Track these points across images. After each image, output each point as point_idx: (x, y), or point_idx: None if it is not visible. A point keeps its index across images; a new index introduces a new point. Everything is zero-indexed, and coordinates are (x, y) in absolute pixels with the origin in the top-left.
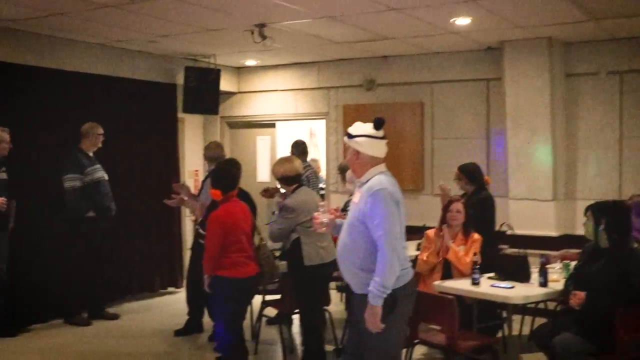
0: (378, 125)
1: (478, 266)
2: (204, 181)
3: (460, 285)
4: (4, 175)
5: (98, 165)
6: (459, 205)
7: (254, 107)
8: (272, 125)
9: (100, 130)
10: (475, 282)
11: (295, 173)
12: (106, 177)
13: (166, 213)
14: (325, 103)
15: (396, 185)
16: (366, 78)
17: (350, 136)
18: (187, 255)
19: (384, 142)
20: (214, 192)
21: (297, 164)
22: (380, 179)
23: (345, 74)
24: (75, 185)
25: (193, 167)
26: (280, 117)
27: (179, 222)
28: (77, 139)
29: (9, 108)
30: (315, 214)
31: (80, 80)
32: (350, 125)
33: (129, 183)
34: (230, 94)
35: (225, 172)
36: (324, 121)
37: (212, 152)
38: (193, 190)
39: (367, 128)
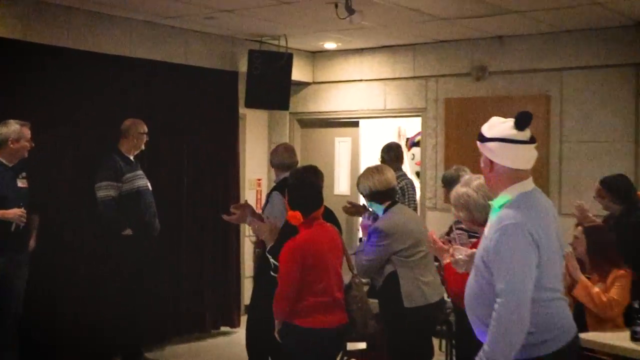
0: (522, 123)
1: None
2: (269, 194)
3: (613, 339)
4: (23, 183)
5: (140, 172)
6: (577, 230)
7: (332, 101)
8: (355, 124)
9: (144, 129)
10: (637, 337)
11: (387, 187)
12: (149, 186)
13: (222, 232)
14: (422, 96)
15: (548, 213)
16: (475, 64)
17: (483, 139)
18: (246, 286)
19: (530, 147)
20: (293, 215)
21: (390, 175)
22: (517, 204)
23: (448, 60)
24: (111, 196)
25: (255, 175)
26: (365, 113)
27: (237, 244)
28: (115, 138)
29: (32, 98)
30: (452, 250)
31: (120, 66)
32: (453, 124)
33: (177, 195)
34: (303, 84)
35: (305, 186)
36: (418, 119)
37: (281, 158)
38: (255, 206)
39: (505, 128)
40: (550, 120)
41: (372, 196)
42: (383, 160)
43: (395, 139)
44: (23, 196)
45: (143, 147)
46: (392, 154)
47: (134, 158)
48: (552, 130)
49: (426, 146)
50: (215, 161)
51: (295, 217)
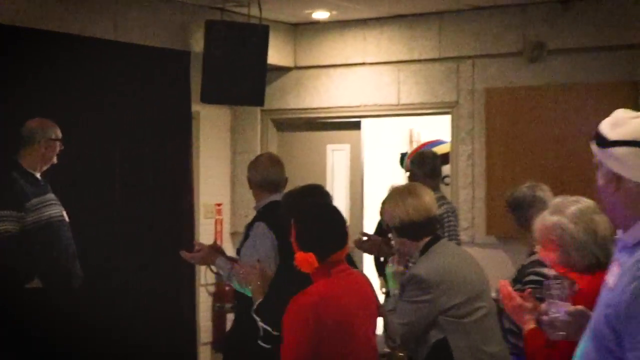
0: None
1: None
2: (249, 226)
3: None
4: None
5: (51, 196)
6: None
7: (322, 94)
8: (355, 126)
9: (57, 134)
10: None
11: (427, 215)
12: (65, 216)
13: (169, 283)
14: (452, 86)
15: None
16: (530, 40)
17: (604, 142)
18: (203, 356)
19: None
20: (303, 258)
21: (429, 198)
22: None
23: (489, 35)
24: (8, 231)
25: (213, 198)
26: (370, 111)
27: (190, 298)
28: (13, 147)
29: None
30: (544, 307)
31: (19, 42)
32: (497, 125)
33: (103, 228)
34: (280, 70)
35: (322, 217)
36: (447, 118)
37: (265, 174)
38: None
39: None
40: None
41: (404, 230)
42: (413, 175)
43: (405, 148)
44: None
45: (55, 160)
46: (427, 168)
47: (41, 176)
48: None
49: (457, 156)
50: (159, 179)
51: (307, 261)
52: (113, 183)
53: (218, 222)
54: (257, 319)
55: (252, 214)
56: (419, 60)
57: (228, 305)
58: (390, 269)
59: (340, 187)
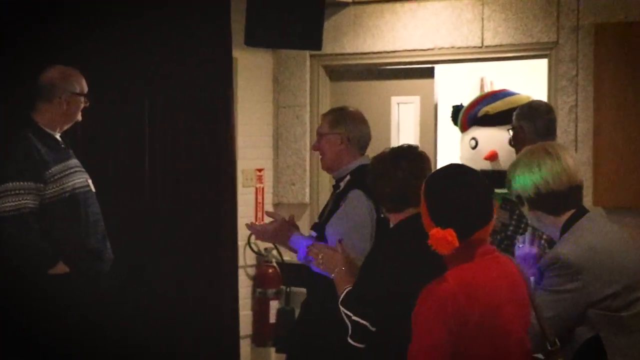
0: None
1: None
2: (339, 195)
3: None
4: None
5: (74, 161)
6: None
7: (386, 35)
8: (427, 74)
9: (81, 86)
10: None
11: (569, 183)
12: (91, 185)
13: (209, 259)
14: (551, 22)
15: None
16: None
17: None
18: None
19: None
20: (441, 235)
21: (572, 162)
22: None
23: None
24: (26, 207)
25: (252, 162)
26: (446, 54)
27: (231, 290)
28: (28, 102)
29: None
30: None
31: None
32: (610, 70)
33: (134, 198)
34: (333, 6)
35: (464, 183)
36: (543, 62)
37: (363, 130)
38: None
39: None
40: None
41: (540, 202)
42: (518, 133)
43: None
44: None
45: (79, 117)
46: (540, 124)
47: (61, 137)
48: None
49: (556, 110)
50: (195, 140)
51: (446, 239)
52: (142, 148)
53: (259, 192)
54: (346, 311)
55: (301, 181)
56: None
57: (271, 291)
58: (520, 250)
59: None
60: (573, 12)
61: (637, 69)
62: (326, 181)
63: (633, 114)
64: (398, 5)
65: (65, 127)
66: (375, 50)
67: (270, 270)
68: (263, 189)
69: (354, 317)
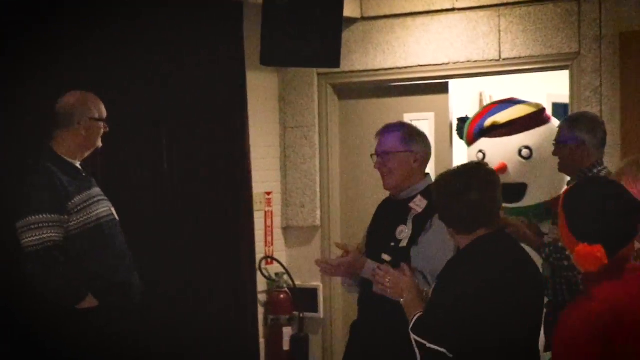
0: None
1: None
2: (422, 218)
3: None
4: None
5: (96, 190)
6: None
7: (397, 50)
8: (441, 90)
9: (100, 111)
10: None
11: None
12: (115, 213)
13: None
14: (572, 32)
15: None
16: None
17: None
18: None
19: None
20: (588, 252)
21: None
22: None
23: None
24: (50, 240)
25: (261, 185)
26: (462, 69)
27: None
28: (45, 131)
29: None
30: None
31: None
32: (635, 79)
33: (156, 225)
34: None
35: (609, 196)
36: (564, 74)
37: (425, 147)
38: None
39: None
40: None
41: None
42: (580, 145)
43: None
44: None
45: (99, 144)
46: (599, 136)
47: (81, 165)
48: None
49: None
50: (213, 165)
51: (594, 256)
52: (162, 174)
53: (268, 215)
54: (417, 339)
55: (311, 204)
56: (526, 2)
57: (284, 318)
58: None
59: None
60: (595, 21)
61: None
62: (337, 203)
63: None
64: (409, 19)
65: (86, 155)
66: (386, 66)
67: (282, 296)
68: (272, 212)
69: (429, 345)
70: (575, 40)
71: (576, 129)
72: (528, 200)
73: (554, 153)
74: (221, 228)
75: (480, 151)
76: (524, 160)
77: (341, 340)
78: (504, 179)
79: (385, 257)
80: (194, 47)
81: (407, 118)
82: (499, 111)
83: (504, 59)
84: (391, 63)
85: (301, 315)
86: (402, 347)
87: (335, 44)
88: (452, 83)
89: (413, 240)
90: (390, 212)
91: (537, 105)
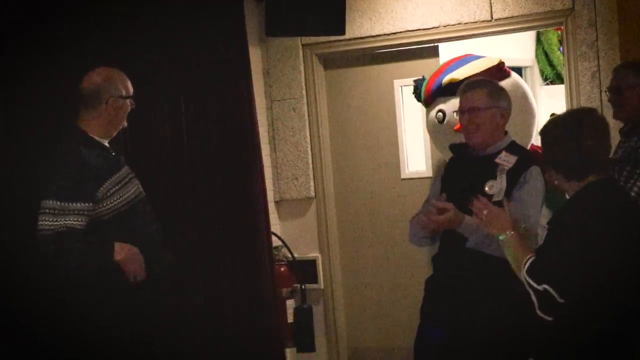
0: None
1: None
2: (518, 171)
3: None
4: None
5: (126, 169)
6: None
7: (385, 16)
8: (431, 54)
9: (127, 88)
10: None
11: None
12: (142, 191)
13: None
14: None
15: None
16: None
17: None
18: None
19: None
20: None
21: None
22: None
23: None
24: (61, 227)
25: None
26: (453, 32)
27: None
28: (70, 110)
29: None
30: None
31: None
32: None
33: (175, 200)
34: None
35: None
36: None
37: (510, 104)
38: None
39: None
40: None
41: None
42: (620, 105)
43: None
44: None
45: (125, 122)
46: None
47: (109, 144)
48: None
49: (577, 76)
50: (225, 139)
51: None
52: (182, 149)
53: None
54: (532, 282)
55: (304, 175)
56: None
57: (286, 290)
58: None
59: (414, 132)
60: None
61: None
62: (330, 173)
63: None
64: None
65: (114, 134)
66: (374, 33)
67: (282, 269)
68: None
69: (541, 287)
70: None
71: (624, 76)
72: None
73: (614, 100)
74: (240, 200)
75: (440, 111)
76: None
77: (342, 310)
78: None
79: None
80: (196, 26)
81: (397, 84)
82: (456, 68)
83: (495, 20)
84: (378, 30)
85: (302, 287)
86: (482, 300)
87: (339, 11)
88: (442, 46)
89: (507, 194)
90: (473, 169)
91: (497, 59)
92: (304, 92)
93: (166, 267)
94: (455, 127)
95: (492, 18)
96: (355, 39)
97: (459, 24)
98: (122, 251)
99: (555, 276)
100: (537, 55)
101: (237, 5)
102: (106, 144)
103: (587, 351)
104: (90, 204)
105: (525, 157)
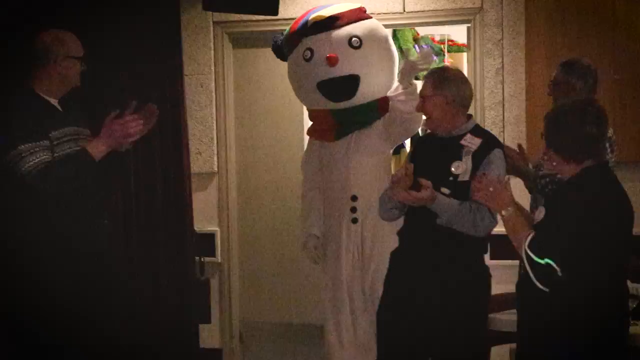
0: None
1: None
2: (480, 154)
3: None
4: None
5: (72, 129)
6: None
7: (298, 2)
8: None
9: (77, 49)
10: None
11: None
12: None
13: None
14: None
15: None
16: None
17: None
18: None
19: None
20: None
21: None
22: None
23: None
24: (43, 162)
25: None
26: None
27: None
28: (25, 67)
29: None
30: None
31: None
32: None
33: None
34: None
35: None
36: (463, 28)
37: (459, 90)
38: None
39: None
40: None
41: None
42: (569, 90)
43: None
44: None
45: (78, 82)
46: (591, 82)
47: (60, 102)
48: None
49: (482, 71)
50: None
51: None
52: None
53: None
54: (533, 255)
55: (208, 150)
56: None
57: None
58: None
59: None
60: None
61: (569, 28)
62: (234, 149)
63: None
64: None
65: (64, 92)
66: (287, 17)
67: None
68: None
69: (544, 260)
70: None
71: (562, 69)
72: (360, 98)
73: (549, 94)
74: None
75: (308, 49)
76: (354, 50)
77: (238, 284)
78: (335, 72)
79: (445, 190)
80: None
81: None
82: (321, 9)
83: (407, 12)
84: (292, 13)
85: (202, 259)
86: (446, 274)
87: None
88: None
89: (472, 175)
90: (440, 149)
91: (355, 5)
92: (212, 68)
93: (106, 233)
94: (327, 57)
95: (404, 10)
96: (266, 20)
97: (372, 13)
98: (101, 140)
99: (556, 251)
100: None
101: None
102: (54, 102)
103: (579, 320)
104: (49, 143)
105: (488, 139)
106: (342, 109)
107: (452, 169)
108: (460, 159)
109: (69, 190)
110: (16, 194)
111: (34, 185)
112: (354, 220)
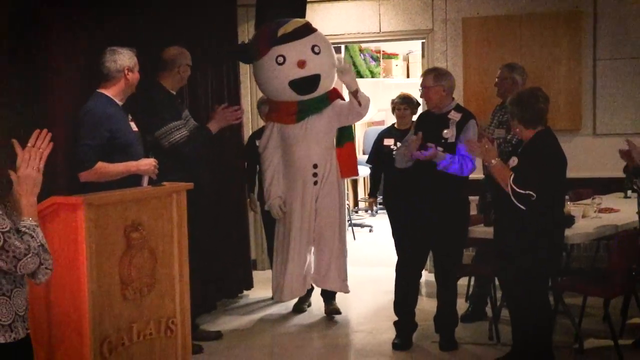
0: None
1: None
2: (460, 123)
3: None
4: (134, 126)
5: (186, 112)
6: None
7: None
8: (338, 50)
9: (188, 58)
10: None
11: None
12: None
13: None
14: (428, 15)
15: None
16: None
17: None
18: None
19: None
20: None
21: None
22: None
23: None
24: (185, 136)
25: None
26: (354, 37)
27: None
28: (153, 69)
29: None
30: None
31: None
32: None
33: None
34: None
35: None
36: (419, 43)
37: (451, 82)
38: None
39: None
40: (582, 38)
41: None
42: (512, 81)
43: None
44: (140, 142)
45: (186, 82)
46: (525, 77)
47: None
48: (583, 49)
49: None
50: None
51: None
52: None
53: None
54: (516, 188)
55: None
56: None
57: None
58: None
59: None
60: (442, 9)
61: (492, 42)
62: None
63: (491, 86)
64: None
65: (178, 88)
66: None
67: None
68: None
69: (523, 192)
70: (430, 21)
71: (514, 71)
72: (319, 91)
73: (497, 88)
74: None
75: (281, 55)
76: (315, 55)
77: None
78: (304, 73)
79: (440, 148)
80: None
81: None
82: (281, 26)
83: (383, 32)
84: None
85: None
86: (443, 198)
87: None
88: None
89: (456, 137)
90: (435, 122)
91: (304, 20)
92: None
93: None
94: (296, 64)
95: (380, 30)
96: None
97: (357, 32)
98: (216, 122)
99: (533, 184)
100: (345, 58)
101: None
102: (174, 93)
103: (539, 222)
104: (183, 121)
105: (466, 114)
106: (305, 100)
107: (444, 134)
108: (449, 128)
109: (197, 153)
110: (169, 158)
111: (179, 151)
112: (315, 183)
